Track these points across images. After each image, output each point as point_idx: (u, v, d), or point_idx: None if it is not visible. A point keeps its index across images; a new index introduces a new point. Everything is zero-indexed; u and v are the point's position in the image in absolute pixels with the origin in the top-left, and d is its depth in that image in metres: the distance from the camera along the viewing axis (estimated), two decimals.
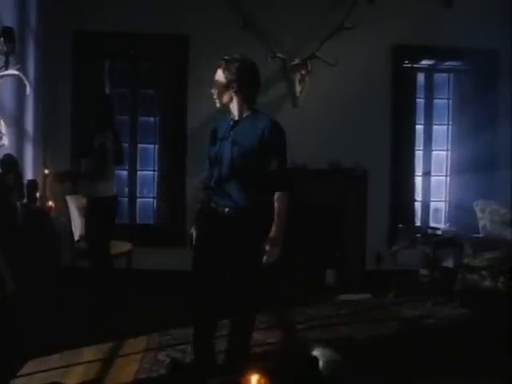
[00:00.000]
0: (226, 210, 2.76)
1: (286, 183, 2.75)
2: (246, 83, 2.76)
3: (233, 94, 2.76)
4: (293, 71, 5.17)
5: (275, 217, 2.69)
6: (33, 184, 4.19)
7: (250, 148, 2.71)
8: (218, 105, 2.83)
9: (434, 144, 5.73)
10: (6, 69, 3.62)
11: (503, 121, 5.45)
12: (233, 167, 2.73)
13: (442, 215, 5.80)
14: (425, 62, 5.62)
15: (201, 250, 2.88)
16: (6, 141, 3.74)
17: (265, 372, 2.11)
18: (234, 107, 2.79)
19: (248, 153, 2.71)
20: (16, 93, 4.23)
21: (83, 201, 4.80)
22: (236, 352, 2.87)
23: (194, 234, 2.92)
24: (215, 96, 2.81)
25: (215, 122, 2.95)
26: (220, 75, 2.76)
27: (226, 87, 2.75)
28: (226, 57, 2.78)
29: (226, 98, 2.78)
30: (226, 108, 2.82)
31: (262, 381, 2.06)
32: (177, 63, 5.23)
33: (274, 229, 2.68)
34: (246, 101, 2.79)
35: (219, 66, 2.77)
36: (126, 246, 4.73)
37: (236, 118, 2.81)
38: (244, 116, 2.80)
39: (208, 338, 2.93)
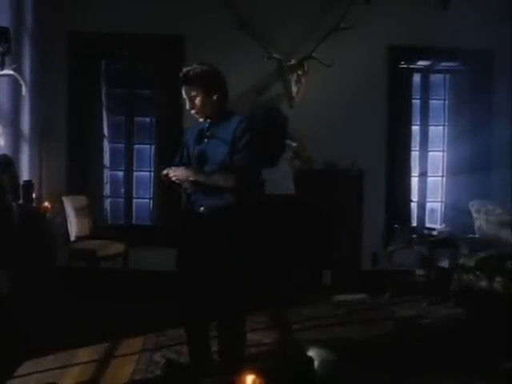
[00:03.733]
0: (201, 209, 2.80)
1: (243, 177, 2.73)
2: (220, 85, 2.81)
3: (213, 100, 2.78)
4: (289, 72, 5.18)
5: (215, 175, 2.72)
6: (29, 184, 4.18)
7: (224, 149, 2.75)
8: (201, 119, 2.85)
9: (430, 145, 5.74)
10: (2, 69, 3.61)
11: (499, 121, 5.47)
12: (208, 168, 2.78)
13: (438, 215, 5.82)
14: (421, 63, 5.64)
15: (182, 250, 2.92)
16: (1, 141, 3.74)
17: (260, 372, 2.12)
18: (211, 111, 2.82)
19: (222, 154, 2.75)
20: (12, 93, 4.22)
21: (79, 201, 4.83)
22: (227, 352, 2.87)
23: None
24: (196, 110, 2.81)
25: (191, 125, 2.96)
26: (191, 89, 2.77)
27: (197, 96, 2.77)
28: (187, 68, 2.79)
29: (207, 108, 2.80)
30: (207, 116, 2.84)
31: (257, 381, 2.06)
32: (173, 63, 5.21)
33: (206, 174, 2.75)
34: (221, 103, 2.82)
35: (186, 82, 2.78)
36: (122, 247, 4.74)
37: (211, 120, 2.85)
38: (219, 118, 2.83)
39: (200, 339, 2.94)
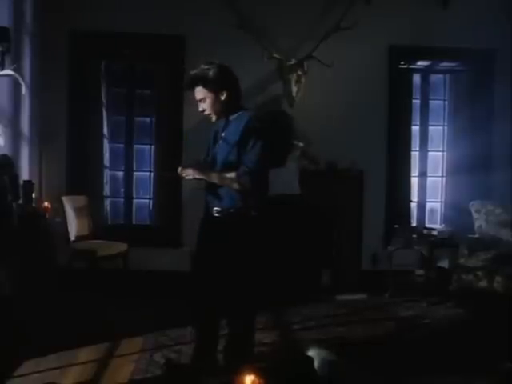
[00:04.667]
0: (215, 210, 2.82)
1: (248, 178, 2.71)
2: (228, 83, 2.79)
3: (222, 100, 2.78)
4: (289, 71, 5.17)
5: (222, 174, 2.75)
6: (29, 184, 4.19)
7: (231, 148, 2.75)
8: (213, 119, 2.86)
9: (430, 145, 5.75)
10: (2, 69, 3.61)
11: (499, 121, 5.47)
12: (219, 167, 2.80)
13: (438, 216, 5.82)
14: (421, 63, 5.65)
15: (197, 251, 2.93)
16: (1, 141, 3.74)
17: (260, 372, 2.12)
18: (221, 111, 2.82)
19: (232, 153, 2.75)
20: (11, 93, 4.23)
21: (79, 201, 4.82)
22: (231, 353, 2.87)
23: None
24: (207, 112, 2.82)
25: (214, 125, 2.98)
26: (198, 93, 2.79)
27: (206, 98, 2.78)
28: (193, 72, 2.80)
29: (217, 108, 2.80)
30: (219, 116, 2.84)
31: (257, 381, 2.06)
32: (173, 63, 5.22)
33: (210, 173, 2.78)
34: (231, 101, 2.81)
35: (192, 86, 2.79)
36: (122, 247, 4.74)
37: (226, 119, 2.86)
38: (233, 117, 2.84)
39: (208, 338, 2.95)
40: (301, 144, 4.89)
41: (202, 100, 2.79)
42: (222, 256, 2.79)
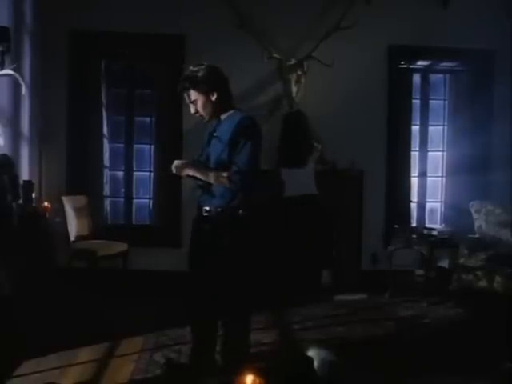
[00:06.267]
0: (205, 209, 2.82)
1: (239, 177, 2.71)
2: (218, 84, 2.80)
3: (212, 100, 2.79)
4: (289, 72, 5.16)
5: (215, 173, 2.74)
6: (29, 184, 4.18)
7: (226, 146, 2.75)
8: (206, 119, 2.88)
9: (429, 145, 5.75)
10: (2, 69, 3.61)
11: (498, 121, 5.47)
12: (214, 167, 2.80)
13: (438, 216, 5.82)
14: (421, 63, 5.65)
15: (190, 251, 2.94)
16: (1, 141, 3.74)
17: (260, 372, 2.12)
18: (213, 112, 2.83)
19: (224, 151, 2.75)
20: (11, 93, 4.23)
21: (79, 201, 4.83)
22: (227, 354, 2.87)
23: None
24: (199, 113, 2.83)
25: (208, 125, 2.99)
26: (189, 94, 2.80)
27: (197, 100, 2.79)
28: (185, 74, 2.82)
29: (208, 109, 2.81)
30: (211, 116, 2.86)
31: (257, 381, 2.06)
32: (173, 63, 5.22)
33: (204, 171, 2.78)
34: (221, 101, 2.82)
35: (184, 88, 2.81)
36: (122, 247, 4.74)
37: (218, 119, 2.87)
38: (225, 116, 2.85)
39: (205, 339, 2.95)
40: (319, 146, 4.91)
41: (194, 102, 2.81)
42: (210, 256, 2.79)
